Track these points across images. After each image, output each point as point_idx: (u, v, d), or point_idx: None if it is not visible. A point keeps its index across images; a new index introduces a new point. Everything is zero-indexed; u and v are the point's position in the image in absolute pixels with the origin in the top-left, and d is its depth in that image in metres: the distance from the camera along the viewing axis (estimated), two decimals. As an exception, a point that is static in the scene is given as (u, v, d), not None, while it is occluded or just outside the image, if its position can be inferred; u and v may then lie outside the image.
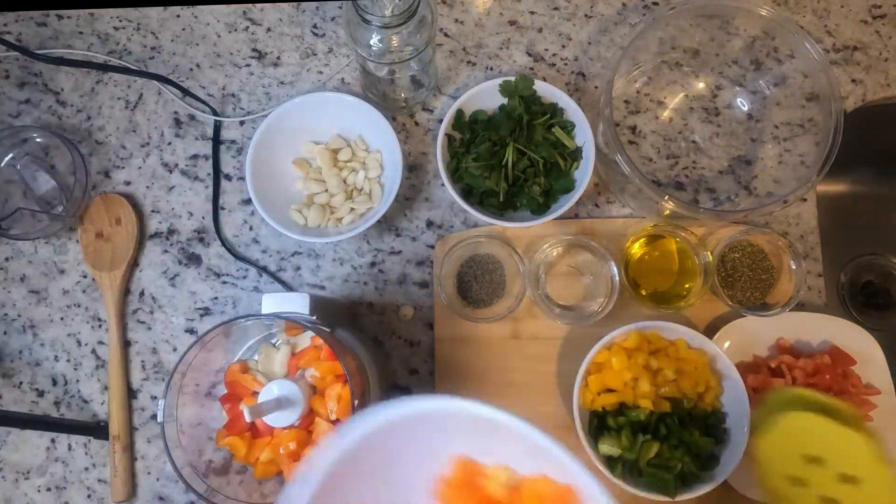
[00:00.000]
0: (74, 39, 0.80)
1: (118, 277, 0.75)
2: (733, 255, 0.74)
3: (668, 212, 0.71)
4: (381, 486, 0.39)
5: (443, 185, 0.73)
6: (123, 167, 0.78)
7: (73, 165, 0.76)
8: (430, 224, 0.77)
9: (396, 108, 0.77)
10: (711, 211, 0.69)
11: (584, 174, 0.70)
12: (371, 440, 0.37)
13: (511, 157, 0.71)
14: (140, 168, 0.78)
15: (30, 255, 0.77)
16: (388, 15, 0.60)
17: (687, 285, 0.73)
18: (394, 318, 0.75)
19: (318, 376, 0.62)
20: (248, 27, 0.80)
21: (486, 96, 0.72)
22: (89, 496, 0.73)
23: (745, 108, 0.79)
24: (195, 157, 0.78)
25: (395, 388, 0.74)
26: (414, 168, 0.78)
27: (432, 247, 0.76)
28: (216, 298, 0.76)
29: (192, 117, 0.79)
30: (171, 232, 0.77)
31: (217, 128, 0.78)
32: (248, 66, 0.79)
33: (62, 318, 0.76)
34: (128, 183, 0.78)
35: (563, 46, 0.80)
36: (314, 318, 0.61)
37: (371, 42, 0.63)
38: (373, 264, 0.76)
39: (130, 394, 0.74)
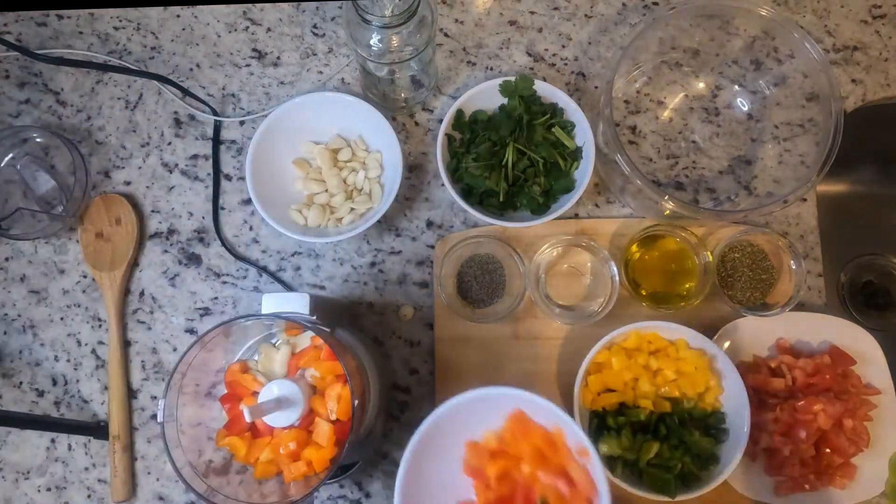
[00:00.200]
0: (74, 39, 0.80)
1: (118, 277, 0.75)
2: (733, 255, 0.74)
3: (668, 212, 0.71)
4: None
5: (443, 185, 0.73)
6: (123, 167, 0.78)
7: (73, 165, 0.76)
8: (430, 224, 0.77)
9: (396, 108, 0.77)
10: (711, 211, 0.69)
11: (584, 174, 0.70)
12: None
13: (511, 157, 0.71)
14: (140, 168, 0.78)
15: (30, 255, 0.77)
16: (388, 15, 0.60)
17: (687, 285, 0.73)
18: (394, 318, 0.75)
19: (318, 376, 0.62)
20: (248, 27, 0.80)
21: (486, 96, 0.72)
22: (89, 496, 0.73)
23: (745, 108, 0.79)
24: (195, 157, 0.78)
25: (395, 388, 0.74)
26: (414, 168, 0.78)
27: (432, 247, 0.76)
28: (216, 298, 0.76)
29: (192, 117, 0.79)
30: (171, 232, 0.77)
31: (217, 128, 0.78)
32: (248, 66, 0.79)
33: (62, 318, 0.76)
34: (128, 183, 0.78)
35: (563, 46, 0.80)
36: (314, 318, 0.61)
37: (371, 42, 0.63)
38: (373, 264, 0.76)
39: (130, 394, 0.74)
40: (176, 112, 0.79)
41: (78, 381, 0.74)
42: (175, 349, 0.75)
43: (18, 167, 0.76)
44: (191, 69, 0.79)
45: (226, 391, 0.64)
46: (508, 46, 0.80)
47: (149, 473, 0.73)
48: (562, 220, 0.74)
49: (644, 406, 0.67)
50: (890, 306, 0.83)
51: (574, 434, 0.52)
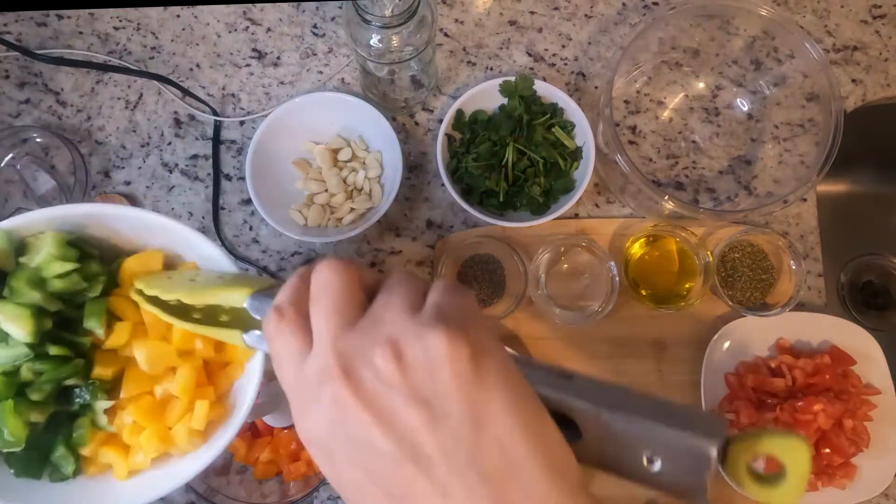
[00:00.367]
0: (74, 39, 0.80)
1: (118, 277, 0.74)
2: (733, 255, 0.74)
3: (668, 212, 0.71)
4: None
5: (443, 185, 0.73)
6: (123, 167, 0.78)
7: (73, 165, 0.76)
8: (430, 224, 0.77)
9: (396, 108, 0.77)
10: (711, 211, 0.69)
11: (584, 174, 0.70)
12: None
13: (511, 157, 0.71)
14: (140, 168, 0.78)
15: (30, 255, 0.77)
16: (388, 15, 0.60)
17: (687, 285, 0.73)
18: (394, 318, 0.75)
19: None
20: (248, 27, 0.80)
21: (486, 96, 0.72)
22: (89, 496, 0.73)
23: (745, 108, 0.79)
24: (195, 157, 0.78)
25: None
26: (414, 168, 0.78)
27: (432, 247, 0.76)
28: (216, 298, 0.76)
29: (192, 117, 0.79)
30: (171, 232, 0.77)
31: (217, 128, 0.78)
32: (248, 66, 0.79)
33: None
34: (128, 183, 0.78)
35: (563, 46, 0.80)
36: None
37: (371, 42, 0.63)
38: (373, 264, 0.76)
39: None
40: (176, 112, 0.79)
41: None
42: (175, 349, 0.75)
43: (18, 167, 0.76)
44: (191, 69, 0.79)
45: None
46: (508, 46, 0.80)
47: None
48: (562, 220, 0.74)
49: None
50: (890, 306, 0.83)
51: None
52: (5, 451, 0.42)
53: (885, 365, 0.72)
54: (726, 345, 0.72)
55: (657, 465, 0.29)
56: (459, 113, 0.72)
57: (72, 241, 0.45)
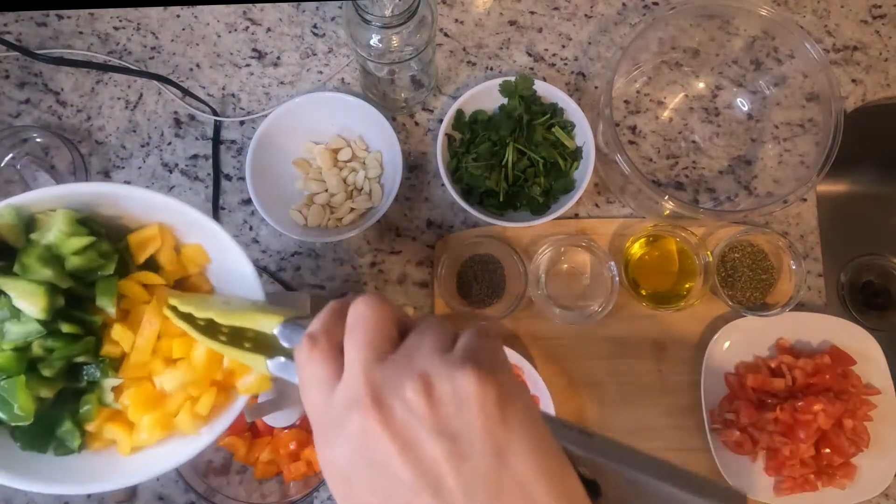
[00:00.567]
0: (74, 39, 0.80)
1: (118, 277, 0.75)
2: (733, 255, 0.74)
3: (668, 212, 0.71)
4: None
5: (443, 185, 0.73)
6: (123, 167, 0.78)
7: (73, 165, 0.76)
8: (430, 224, 0.77)
9: (396, 108, 0.77)
10: (711, 211, 0.69)
11: (584, 174, 0.70)
12: None
13: (511, 157, 0.71)
14: (140, 168, 0.78)
15: (30, 255, 0.76)
16: (388, 15, 0.60)
17: (687, 285, 0.73)
18: (394, 318, 0.75)
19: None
20: (248, 27, 0.80)
21: (486, 96, 0.72)
22: (89, 496, 0.73)
23: (745, 108, 0.79)
24: (195, 157, 0.78)
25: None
26: (414, 168, 0.78)
27: (432, 247, 0.76)
28: (216, 298, 0.76)
29: (192, 117, 0.79)
30: (171, 232, 0.77)
31: (217, 128, 0.78)
32: (248, 66, 0.79)
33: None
34: (128, 183, 0.78)
35: (563, 46, 0.80)
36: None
37: (371, 42, 0.63)
38: (373, 264, 0.76)
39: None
40: (176, 112, 0.79)
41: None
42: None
43: (18, 167, 0.76)
44: (191, 69, 0.79)
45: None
46: (508, 46, 0.80)
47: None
48: (562, 220, 0.74)
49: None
50: (890, 306, 0.83)
51: None
52: (13, 424, 0.43)
53: (885, 365, 0.72)
54: (726, 345, 0.72)
55: None
56: (459, 113, 0.72)
57: (81, 220, 0.45)
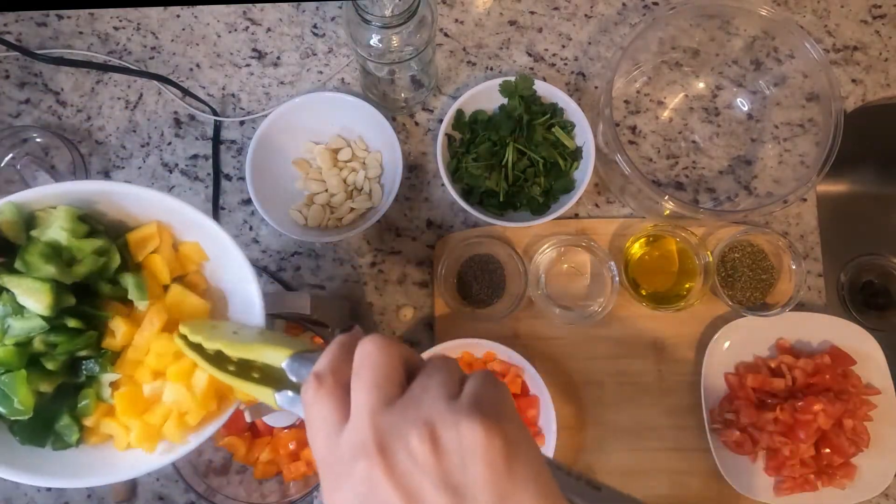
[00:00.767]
0: (74, 39, 0.80)
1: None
2: (733, 255, 0.74)
3: (668, 212, 0.71)
4: None
5: (443, 185, 0.73)
6: (123, 167, 0.78)
7: (73, 165, 0.76)
8: (430, 224, 0.77)
9: (396, 108, 0.77)
10: (711, 211, 0.69)
11: (584, 174, 0.70)
12: None
13: (511, 157, 0.71)
14: (140, 168, 0.78)
15: (30, 255, 0.76)
16: (388, 15, 0.60)
17: (687, 285, 0.73)
18: (394, 318, 0.75)
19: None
20: (248, 27, 0.80)
21: (486, 96, 0.72)
22: (89, 496, 0.73)
23: (745, 108, 0.79)
24: (195, 157, 0.78)
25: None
26: (414, 168, 0.78)
27: (432, 247, 0.76)
28: (216, 298, 0.76)
29: (192, 117, 0.79)
30: (171, 232, 0.77)
31: (217, 128, 0.78)
32: (248, 66, 0.79)
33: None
34: (128, 183, 0.78)
35: (563, 46, 0.80)
36: (314, 317, 0.61)
37: (371, 42, 0.63)
38: (373, 264, 0.76)
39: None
40: (176, 112, 0.79)
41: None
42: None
43: (18, 167, 0.76)
44: (191, 69, 0.79)
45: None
46: (508, 46, 0.80)
47: (149, 473, 0.73)
48: (562, 220, 0.74)
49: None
50: (890, 306, 0.83)
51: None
52: (12, 419, 0.43)
53: (885, 365, 0.72)
54: (726, 345, 0.72)
55: None
56: (459, 113, 0.72)
57: (81, 217, 0.45)
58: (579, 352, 0.73)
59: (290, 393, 0.37)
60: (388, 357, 0.31)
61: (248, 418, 0.55)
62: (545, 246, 0.72)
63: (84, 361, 0.44)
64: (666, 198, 0.65)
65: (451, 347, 0.69)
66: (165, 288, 0.48)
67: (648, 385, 0.73)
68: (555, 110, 0.72)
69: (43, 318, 0.42)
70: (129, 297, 0.45)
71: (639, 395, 0.73)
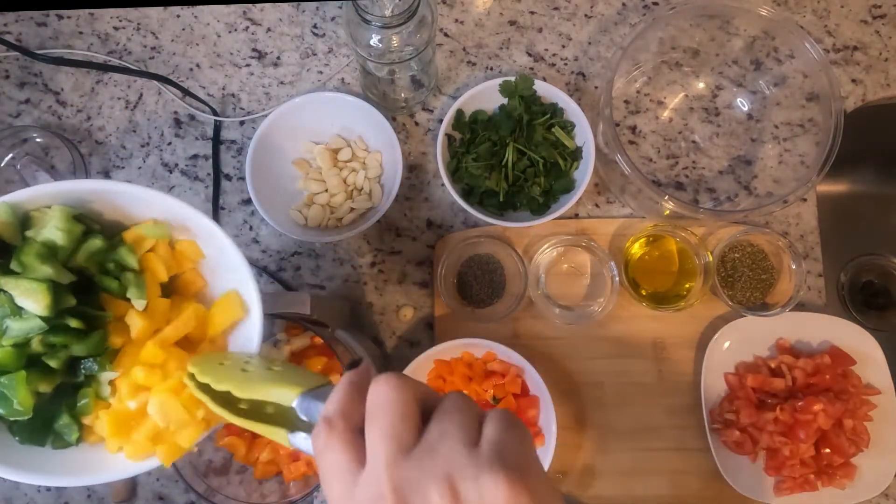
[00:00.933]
0: (74, 39, 0.80)
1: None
2: (733, 255, 0.74)
3: (668, 212, 0.71)
4: None
5: (443, 185, 0.73)
6: (123, 167, 0.78)
7: (73, 165, 0.76)
8: (430, 224, 0.77)
9: (396, 108, 0.77)
10: (711, 211, 0.69)
11: (584, 174, 0.70)
12: None
13: (511, 157, 0.71)
14: (140, 168, 0.78)
15: (30, 255, 0.76)
16: (388, 15, 0.60)
17: (687, 285, 0.73)
18: (394, 318, 0.75)
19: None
20: (248, 27, 0.80)
21: (486, 96, 0.72)
22: (89, 496, 0.73)
23: (745, 108, 0.79)
24: (195, 157, 0.78)
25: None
26: (414, 168, 0.78)
27: (432, 247, 0.76)
28: (216, 298, 0.76)
29: (192, 117, 0.79)
30: (171, 232, 0.77)
31: (217, 128, 0.78)
32: (248, 66, 0.79)
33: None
34: (122, 182, 0.78)
35: (563, 46, 0.80)
36: (314, 317, 0.61)
37: (371, 42, 0.63)
38: (373, 264, 0.76)
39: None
40: (176, 112, 0.79)
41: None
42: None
43: (18, 167, 0.76)
44: (191, 69, 0.79)
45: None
46: (508, 46, 0.80)
47: (149, 474, 0.73)
48: (562, 220, 0.74)
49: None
50: (890, 306, 0.83)
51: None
52: (12, 419, 0.43)
53: (885, 365, 0.72)
54: (726, 345, 0.72)
55: None
56: (459, 113, 0.72)
57: (76, 216, 0.45)
58: (579, 352, 0.73)
59: (303, 435, 0.35)
60: (403, 399, 0.30)
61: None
62: (545, 246, 0.72)
63: (83, 360, 0.44)
64: (666, 198, 0.65)
65: (451, 347, 0.69)
66: (162, 286, 0.48)
67: (648, 385, 0.73)
68: (555, 110, 0.72)
69: (42, 318, 0.42)
70: (128, 295, 0.45)
71: (639, 395, 0.73)
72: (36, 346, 0.42)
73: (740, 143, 0.78)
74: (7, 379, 0.42)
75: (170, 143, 0.78)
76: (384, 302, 0.75)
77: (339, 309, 0.75)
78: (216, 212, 0.77)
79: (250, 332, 0.47)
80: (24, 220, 0.45)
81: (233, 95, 0.79)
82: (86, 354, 0.44)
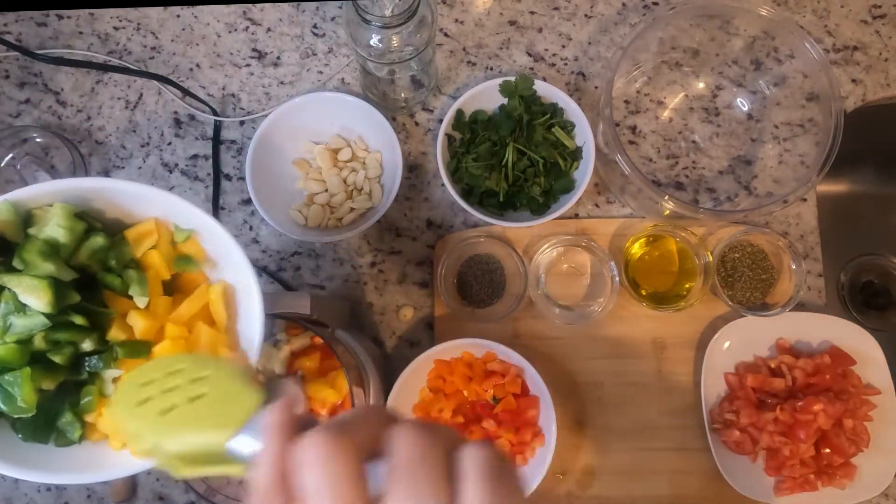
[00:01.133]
0: (74, 39, 0.80)
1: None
2: (733, 255, 0.74)
3: (668, 212, 0.71)
4: None
5: (443, 185, 0.73)
6: (123, 167, 0.78)
7: (73, 165, 0.76)
8: (430, 224, 0.77)
9: (396, 108, 0.77)
10: (711, 211, 0.69)
11: (584, 174, 0.70)
12: None
13: (511, 157, 0.71)
14: (140, 168, 0.78)
15: (30, 255, 0.76)
16: (388, 15, 0.60)
17: (687, 285, 0.73)
18: (394, 318, 0.75)
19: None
20: (248, 27, 0.80)
21: (486, 96, 0.72)
22: (89, 496, 0.73)
23: (745, 108, 0.79)
24: (195, 157, 0.78)
25: (395, 388, 0.74)
26: (414, 168, 0.78)
27: (432, 247, 0.76)
28: (216, 298, 0.75)
29: (192, 117, 0.79)
30: (171, 232, 0.77)
31: (217, 128, 0.78)
32: (248, 66, 0.79)
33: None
34: (123, 180, 0.78)
35: (563, 46, 0.80)
36: (314, 317, 0.61)
37: (371, 42, 0.63)
38: (373, 264, 0.76)
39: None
40: (176, 112, 0.79)
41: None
42: (175, 349, 0.75)
43: (18, 167, 0.76)
44: (191, 69, 0.79)
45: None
46: (508, 46, 0.80)
47: (149, 473, 0.73)
48: (562, 220, 0.74)
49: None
50: (890, 306, 0.83)
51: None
52: (15, 416, 0.43)
53: (885, 365, 0.72)
54: (726, 345, 0.72)
55: None
56: (459, 113, 0.72)
57: (78, 214, 0.45)
58: (579, 352, 0.73)
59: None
60: (340, 465, 0.24)
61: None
62: (545, 246, 0.72)
63: (87, 358, 0.45)
64: (666, 198, 0.65)
65: (451, 347, 0.69)
66: (164, 284, 0.48)
67: (648, 385, 0.73)
68: (555, 110, 0.72)
69: (45, 315, 0.42)
70: (130, 292, 0.45)
71: (639, 395, 0.73)
72: (39, 342, 0.42)
73: (740, 143, 0.78)
74: (11, 376, 0.42)
75: (170, 143, 0.78)
76: (384, 302, 0.75)
77: (339, 309, 0.75)
78: (216, 212, 0.77)
79: (251, 332, 0.47)
80: (27, 218, 0.45)
81: (233, 95, 0.79)
82: (88, 347, 0.44)
